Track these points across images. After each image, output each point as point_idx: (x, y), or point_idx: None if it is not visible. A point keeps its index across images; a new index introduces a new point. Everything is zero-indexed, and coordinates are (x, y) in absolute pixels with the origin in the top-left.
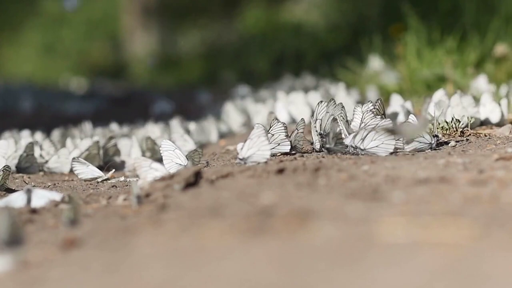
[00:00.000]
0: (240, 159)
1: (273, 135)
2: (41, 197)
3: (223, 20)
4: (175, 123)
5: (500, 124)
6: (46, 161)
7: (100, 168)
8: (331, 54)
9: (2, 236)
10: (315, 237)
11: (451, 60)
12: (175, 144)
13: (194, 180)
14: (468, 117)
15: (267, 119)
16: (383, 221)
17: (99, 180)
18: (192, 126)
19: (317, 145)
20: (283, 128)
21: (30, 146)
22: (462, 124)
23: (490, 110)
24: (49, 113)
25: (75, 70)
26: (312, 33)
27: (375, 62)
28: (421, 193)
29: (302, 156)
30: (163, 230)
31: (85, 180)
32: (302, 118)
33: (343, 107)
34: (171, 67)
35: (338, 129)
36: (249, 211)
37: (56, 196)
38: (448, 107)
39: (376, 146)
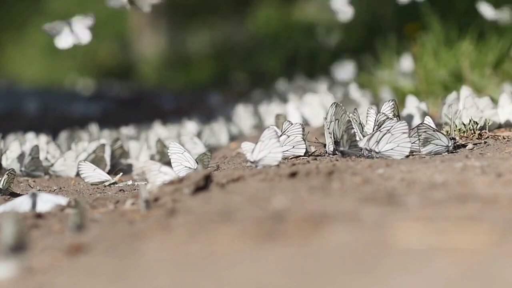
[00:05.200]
0: (251, 162)
1: (288, 136)
2: (47, 202)
3: (233, 19)
4: (185, 125)
5: None
6: (52, 164)
7: (108, 171)
8: (345, 54)
9: (7, 242)
10: (329, 243)
11: (469, 61)
12: (185, 147)
13: (204, 184)
14: (486, 119)
15: (275, 122)
16: (399, 226)
17: (106, 184)
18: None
19: (330, 148)
20: (300, 129)
21: (36, 149)
22: (480, 126)
23: (509, 112)
24: (55, 115)
25: (81, 71)
26: (326, 32)
27: (407, 63)
28: (437, 197)
29: (315, 159)
30: (172, 236)
31: (91, 184)
32: (297, 122)
33: (356, 109)
34: (180, 67)
35: (352, 131)
36: (261, 215)
37: (62, 200)
38: (464, 108)
39: (391, 149)
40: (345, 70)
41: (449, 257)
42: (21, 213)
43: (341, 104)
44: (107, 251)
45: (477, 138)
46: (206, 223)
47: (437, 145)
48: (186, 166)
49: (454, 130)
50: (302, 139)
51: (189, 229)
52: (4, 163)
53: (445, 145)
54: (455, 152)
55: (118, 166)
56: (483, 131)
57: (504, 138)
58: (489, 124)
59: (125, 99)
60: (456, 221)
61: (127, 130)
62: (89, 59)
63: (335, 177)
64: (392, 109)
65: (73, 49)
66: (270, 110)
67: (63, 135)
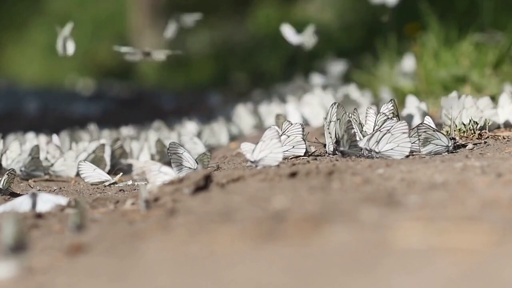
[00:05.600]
0: (252, 162)
1: (288, 136)
2: (47, 202)
3: (233, 19)
4: (185, 125)
5: None
6: (52, 164)
7: (108, 171)
8: (345, 54)
9: (7, 242)
10: (329, 243)
11: (469, 61)
12: (185, 147)
13: (204, 184)
14: (486, 119)
15: (275, 121)
16: (399, 226)
17: (106, 184)
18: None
19: (330, 148)
20: (300, 129)
21: (36, 149)
22: (480, 126)
23: (509, 112)
24: (54, 115)
25: (81, 71)
26: (326, 32)
27: (409, 62)
28: (437, 198)
29: (315, 159)
30: (172, 236)
31: (91, 184)
32: (297, 122)
33: (355, 109)
34: (180, 67)
35: (352, 131)
36: (261, 215)
37: (62, 200)
38: (464, 108)
39: (391, 149)
40: (336, 67)
41: (449, 257)
42: (21, 213)
43: (341, 104)
44: (107, 251)
45: (477, 138)
46: (206, 223)
47: (437, 145)
48: (186, 166)
49: (454, 130)
50: (302, 139)
51: (189, 229)
52: (4, 163)
53: (445, 145)
54: (455, 152)
55: (118, 166)
56: (483, 131)
57: (504, 138)
58: (489, 124)
59: (125, 99)
60: (456, 221)
61: (127, 130)
62: (89, 59)
63: (335, 177)
64: (391, 111)
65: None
66: (270, 110)
67: (63, 135)
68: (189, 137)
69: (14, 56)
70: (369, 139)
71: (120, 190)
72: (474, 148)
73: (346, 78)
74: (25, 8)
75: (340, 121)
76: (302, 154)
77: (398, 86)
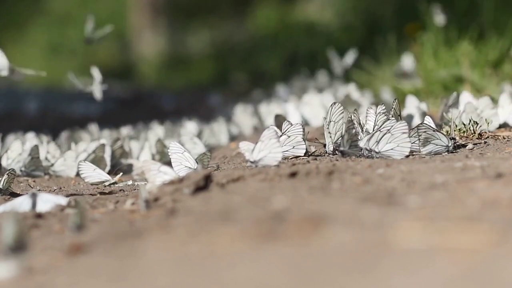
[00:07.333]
0: (251, 162)
1: (289, 136)
2: (47, 202)
3: (233, 19)
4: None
5: None
6: (52, 164)
7: (108, 171)
8: (345, 54)
9: (7, 242)
10: (329, 243)
11: (469, 61)
12: (184, 147)
13: (204, 184)
14: (486, 119)
15: (274, 122)
16: (399, 226)
17: (106, 183)
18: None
19: (330, 148)
20: (300, 130)
21: (36, 149)
22: (480, 126)
23: (509, 112)
24: (54, 115)
25: (81, 71)
26: (326, 32)
27: (408, 61)
28: (437, 198)
29: (315, 159)
30: (172, 236)
31: (92, 184)
32: (297, 123)
33: (356, 109)
34: (180, 67)
35: (353, 131)
36: (261, 215)
37: (62, 200)
38: (464, 112)
39: (391, 149)
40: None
41: (449, 257)
42: (21, 213)
43: (340, 104)
44: (107, 251)
45: (477, 138)
46: (206, 223)
47: (437, 145)
48: (186, 166)
49: (454, 130)
50: (302, 139)
51: (189, 229)
52: (4, 163)
53: (445, 145)
54: (455, 152)
55: (118, 166)
56: (483, 131)
57: (504, 138)
58: (489, 124)
59: (125, 99)
60: (456, 221)
61: (127, 130)
62: (89, 59)
63: (335, 177)
64: (395, 108)
65: (73, 49)
66: (270, 110)
67: (63, 135)
68: (189, 137)
69: (14, 56)
70: (369, 139)
71: (120, 190)
72: (474, 148)
73: (346, 78)
74: (25, 8)
75: (340, 121)
76: (302, 154)
77: (398, 86)
